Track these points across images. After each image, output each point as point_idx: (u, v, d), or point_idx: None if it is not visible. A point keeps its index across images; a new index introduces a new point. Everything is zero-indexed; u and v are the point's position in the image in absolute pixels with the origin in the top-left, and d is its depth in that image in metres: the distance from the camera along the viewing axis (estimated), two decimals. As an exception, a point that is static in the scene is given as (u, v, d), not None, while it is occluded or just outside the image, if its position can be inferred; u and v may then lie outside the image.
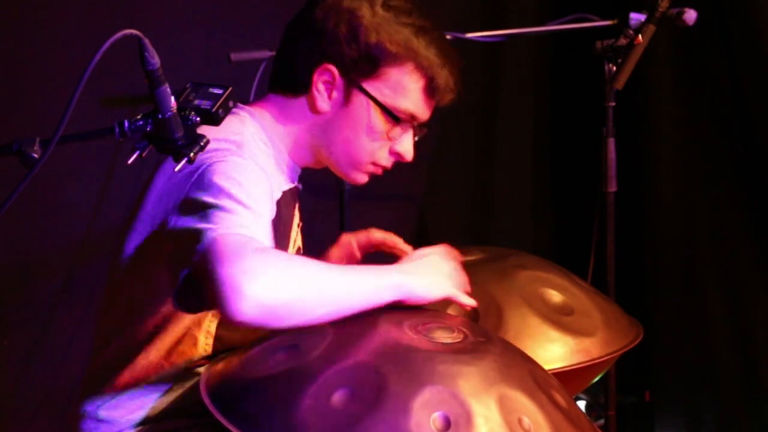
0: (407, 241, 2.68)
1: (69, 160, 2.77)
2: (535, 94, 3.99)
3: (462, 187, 3.86)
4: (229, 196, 1.77)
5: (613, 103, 2.93)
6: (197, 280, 1.75)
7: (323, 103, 2.00)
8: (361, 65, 1.98)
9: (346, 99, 2.00)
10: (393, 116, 2.00)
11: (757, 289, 3.47)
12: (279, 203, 1.97)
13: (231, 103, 1.70)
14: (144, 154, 1.63)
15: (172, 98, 1.60)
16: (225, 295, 1.63)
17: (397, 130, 2.03)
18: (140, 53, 1.55)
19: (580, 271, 2.64)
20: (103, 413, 2.00)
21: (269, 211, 1.85)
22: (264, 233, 1.77)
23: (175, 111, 1.60)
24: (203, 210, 1.75)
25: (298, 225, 2.15)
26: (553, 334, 2.17)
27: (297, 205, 2.12)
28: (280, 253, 1.77)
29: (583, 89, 3.57)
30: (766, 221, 3.42)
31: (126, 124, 1.60)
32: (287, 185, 2.04)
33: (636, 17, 2.82)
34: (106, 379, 2.00)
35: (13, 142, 1.56)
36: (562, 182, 4.00)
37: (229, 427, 1.66)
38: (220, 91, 1.69)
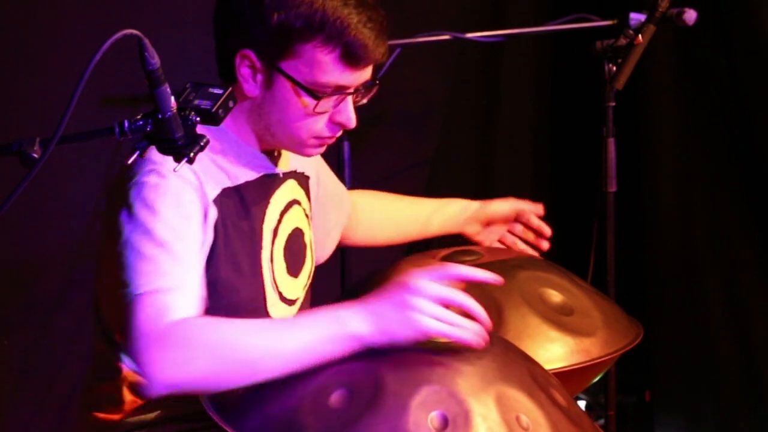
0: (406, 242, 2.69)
1: (69, 160, 2.77)
2: (535, 94, 3.99)
3: (462, 187, 3.86)
4: (148, 234, 1.79)
5: (613, 103, 2.93)
6: None
7: (250, 87, 1.94)
8: (273, 46, 1.90)
9: (269, 82, 1.93)
10: (314, 94, 1.91)
11: (757, 289, 3.47)
12: (238, 197, 1.95)
13: (231, 103, 1.70)
14: (144, 154, 1.64)
15: (172, 98, 1.60)
16: (141, 371, 1.71)
17: (327, 102, 1.93)
18: (140, 53, 1.55)
19: (580, 271, 2.64)
20: (103, 416, 2.00)
21: (193, 231, 1.84)
22: (182, 275, 1.78)
23: (175, 111, 1.60)
24: (124, 250, 1.80)
25: (289, 204, 2.09)
26: (553, 334, 2.17)
27: (281, 189, 2.07)
28: (194, 327, 1.73)
29: (583, 89, 3.57)
30: (766, 221, 3.42)
31: (126, 124, 1.60)
32: (252, 175, 2.00)
33: (636, 17, 2.82)
34: (106, 380, 2.00)
35: (13, 142, 1.55)
36: (562, 182, 4.00)
37: (228, 429, 1.66)
38: (220, 91, 1.69)
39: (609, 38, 2.85)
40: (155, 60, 1.56)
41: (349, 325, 1.69)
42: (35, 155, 1.54)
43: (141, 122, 1.60)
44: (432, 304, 1.70)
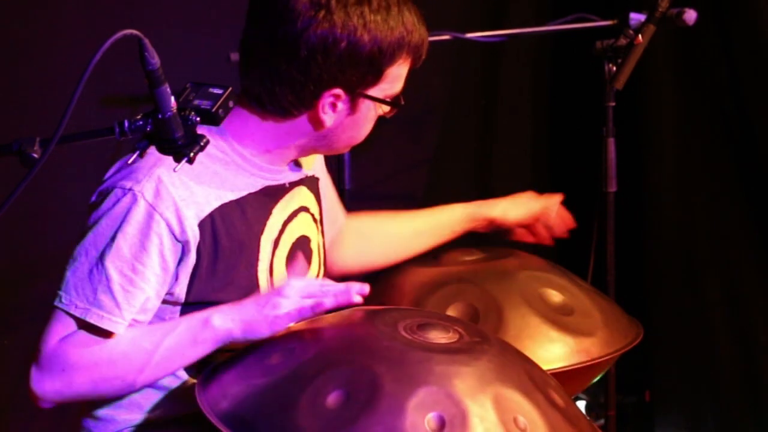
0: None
1: (69, 160, 2.77)
2: (535, 94, 3.99)
3: (462, 187, 3.86)
4: (97, 255, 1.88)
5: (613, 103, 2.93)
6: None
7: (329, 119, 1.96)
8: (368, 79, 1.94)
9: (353, 109, 1.96)
10: (397, 104, 2.00)
11: (757, 289, 3.47)
12: (239, 210, 1.94)
13: (231, 103, 1.70)
14: (144, 154, 1.64)
15: (172, 98, 1.60)
16: (28, 382, 1.93)
17: None
18: (140, 53, 1.55)
19: (580, 271, 2.64)
20: (102, 412, 2.00)
21: (146, 268, 1.87)
22: (108, 303, 1.86)
23: (175, 111, 1.60)
24: (72, 263, 1.92)
25: (294, 213, 2.08)
26: (553, 334, 2.17)
27: (285, 199, 2.05)
28: (70, 351, 1.87)
29: (583, 89, 3.57)
30: (766, 221, 3.42)
31: (126, 124, 1.60)
32: (255, 187, 1.99)
33: (636, 17, 2.82)
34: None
35: (13, 142, 1.56)
36: (562, 182, 4.00)
37: (226, 431, 1.66)
38: (220, 91, 1.69)
39: (609, 38, 2.85)
40: (155, 60, 1.56)
41: (214, 323, 1.84)
42: (35, 155, 1.54)
43: (141, 122, 1.60)
44: (291, 300, 1.82)
